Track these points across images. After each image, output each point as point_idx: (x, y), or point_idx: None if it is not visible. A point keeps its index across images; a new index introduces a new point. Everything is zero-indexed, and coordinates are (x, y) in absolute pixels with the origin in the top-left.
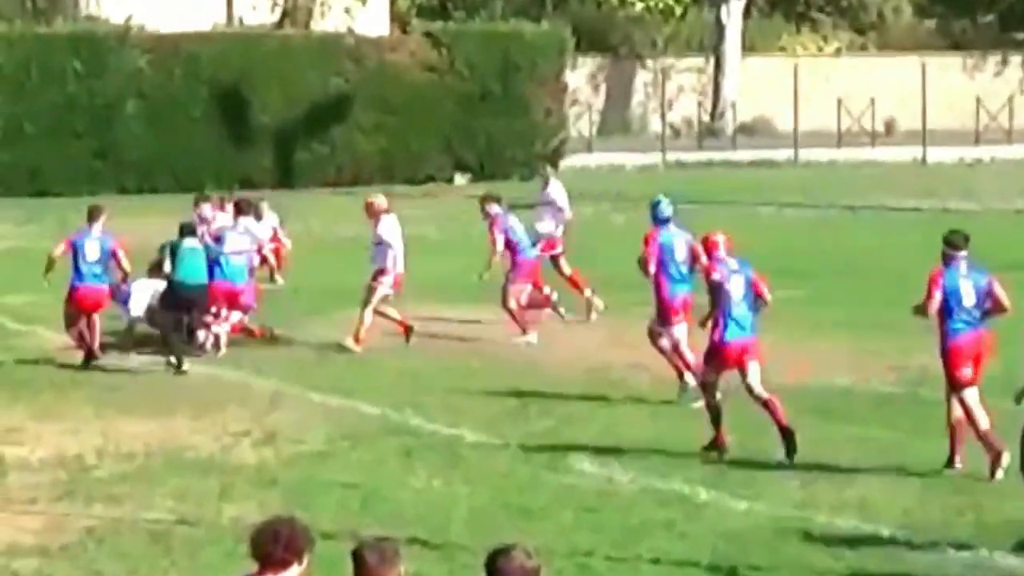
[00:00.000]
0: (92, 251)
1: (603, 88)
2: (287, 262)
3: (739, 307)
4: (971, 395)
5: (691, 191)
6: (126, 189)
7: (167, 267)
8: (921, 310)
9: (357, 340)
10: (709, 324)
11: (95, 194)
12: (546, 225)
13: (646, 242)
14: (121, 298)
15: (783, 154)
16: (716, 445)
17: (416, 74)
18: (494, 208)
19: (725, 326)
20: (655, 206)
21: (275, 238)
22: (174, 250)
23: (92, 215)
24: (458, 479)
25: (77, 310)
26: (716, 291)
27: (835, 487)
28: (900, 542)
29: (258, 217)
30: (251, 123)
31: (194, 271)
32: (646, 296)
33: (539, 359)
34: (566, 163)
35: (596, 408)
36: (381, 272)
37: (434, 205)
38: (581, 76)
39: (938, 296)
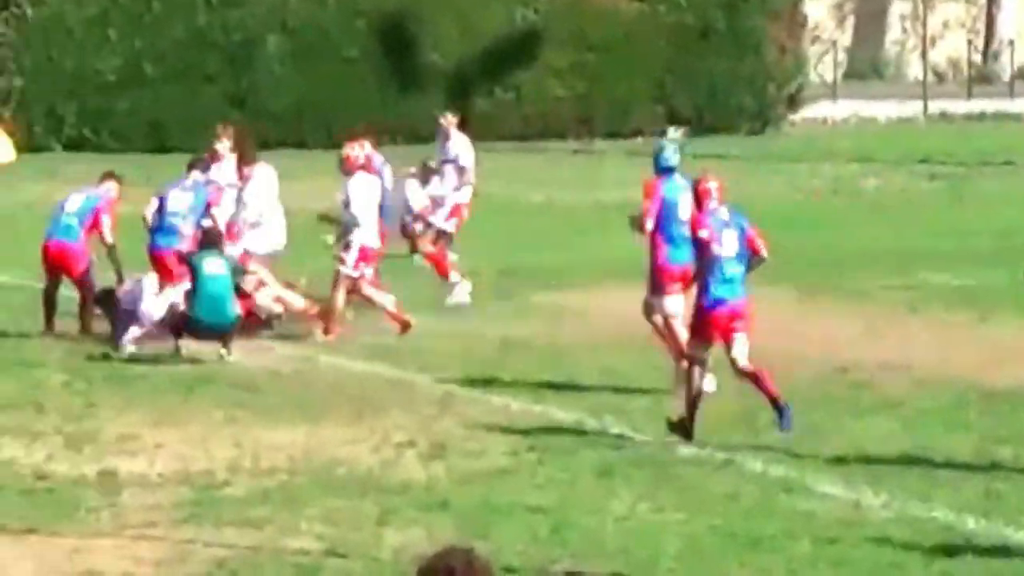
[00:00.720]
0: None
1: (850, 22)
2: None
3: (730, 266)
4: None
5: (958, 150)
6: (267, 144)
7: (178, 293)
8: None
9: (327, 331)
10: (695, 288)
11: None
12: (444, 186)
13: (646, 193)
14: (127, 299)
15: None
16: (684, 430)
17: (622, 4)
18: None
19: (713, 288)
20: (659, 152)
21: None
22: (194, 267)
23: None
24: (670, 502)
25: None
26: (703, 250)
27: None
28: None
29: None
30: (419, 64)
31: (218, 306)
32: (909, 280)
33: (771, 355)
34: (805, 113)
35: (841, 416)
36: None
37: (642, 165)
38: (823, 7)
39: None
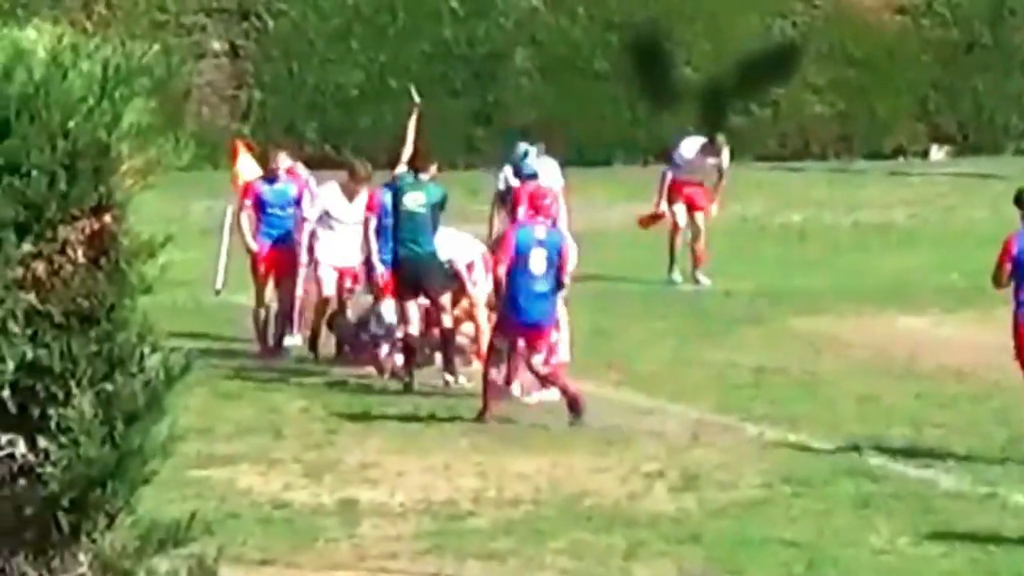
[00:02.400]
0: None
1: None
2: (709, 256)
3: (536, 284)
4: None
5: None
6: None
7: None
8: (995, 282)
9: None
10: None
11: (473, 167)
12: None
13: (516, 200)
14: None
15: None
16: (482, 415)
17: (884, 17)
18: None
19: (519, 302)
20: (522, 157)
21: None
22: (396, 193)
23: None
24: (930, 536)
25: None
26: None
27: None
28: None
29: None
30: (673, 79)
31: (418, 239)
32: None
33: None
34: None
35: None
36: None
37: (903, 185)
38: None
39: (1007, 267)
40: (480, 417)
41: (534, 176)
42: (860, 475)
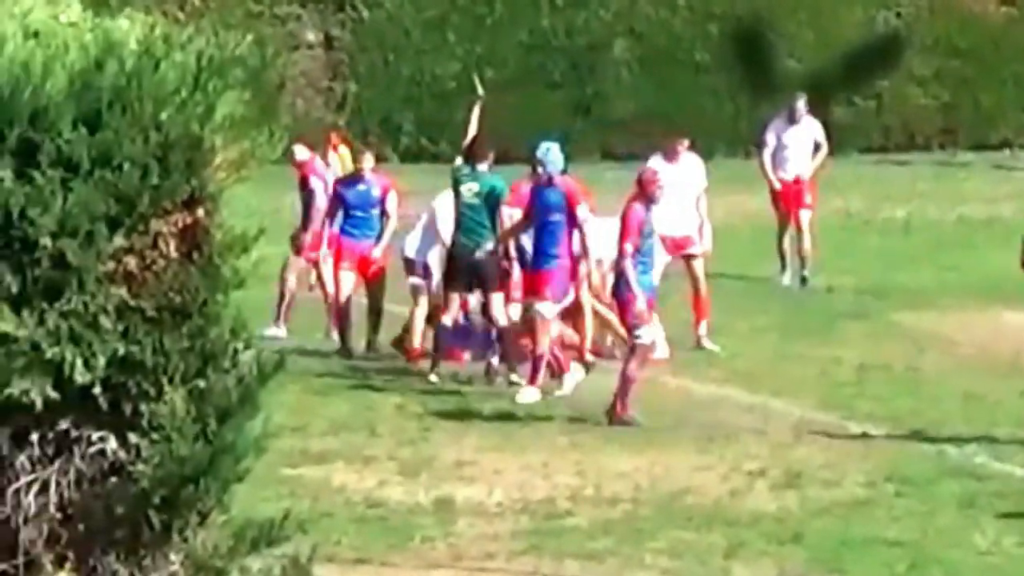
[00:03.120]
0: None
1: None
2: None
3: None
4: None
5: None
6: (612, 154)
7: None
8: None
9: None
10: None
11: (571, 159)
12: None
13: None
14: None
15: None
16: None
17: (989, 8)
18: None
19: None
20: (546, 152)
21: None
22: (454, 184)
23: None
24: None
25: None
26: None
27: None
28: None
29: None
30: (776, 71)
31: (475, 229)
32: None
33: None
34: None
35: None
36: None
37: (1008, 179)
38: None
39: None
40: (618, 417)
41: (564, 172)
42: (964, 474)
